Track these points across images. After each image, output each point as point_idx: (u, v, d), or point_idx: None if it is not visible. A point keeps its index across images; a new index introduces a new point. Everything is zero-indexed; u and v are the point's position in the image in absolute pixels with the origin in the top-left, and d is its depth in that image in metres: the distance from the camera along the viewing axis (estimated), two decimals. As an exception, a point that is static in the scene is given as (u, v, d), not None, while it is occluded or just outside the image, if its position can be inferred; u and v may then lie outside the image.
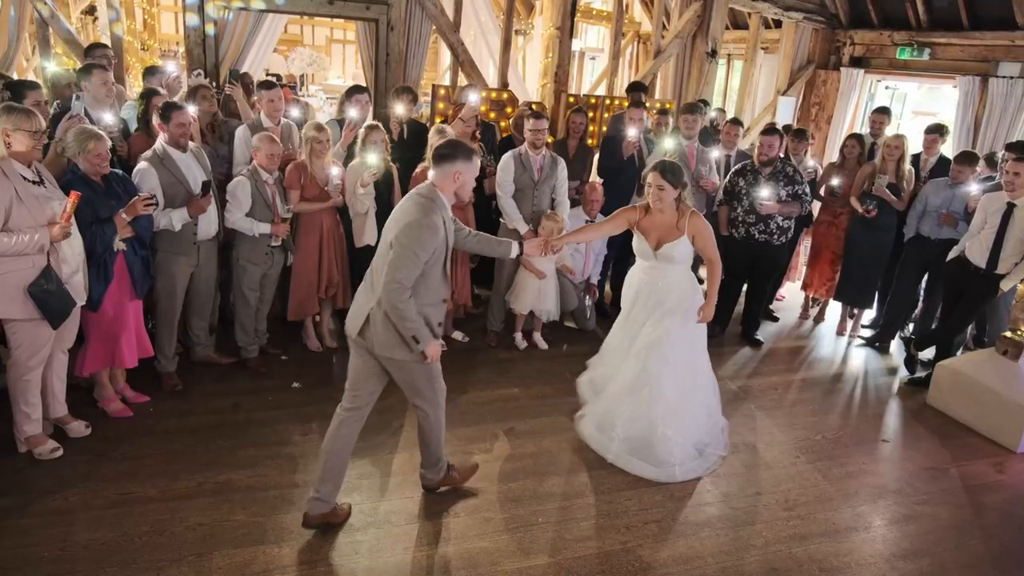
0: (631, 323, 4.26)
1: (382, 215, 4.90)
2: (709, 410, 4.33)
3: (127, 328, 3.96)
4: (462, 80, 7.05)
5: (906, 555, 3.55)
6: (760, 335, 6.16)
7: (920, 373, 5.59)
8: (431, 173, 3.17)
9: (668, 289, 4.12)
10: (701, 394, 4.26)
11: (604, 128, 7.14)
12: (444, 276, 3.23)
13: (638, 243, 4.16)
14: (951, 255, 5.28)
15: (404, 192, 5.01)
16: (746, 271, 5.97)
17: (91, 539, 3.12)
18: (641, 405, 4.05)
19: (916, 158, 6.17)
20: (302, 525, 3.28)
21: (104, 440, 3.86)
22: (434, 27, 6.73)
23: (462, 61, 6.95)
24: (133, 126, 4.83)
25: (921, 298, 6.22)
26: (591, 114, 7.02)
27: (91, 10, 10.03)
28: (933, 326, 5.88)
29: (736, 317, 6.27)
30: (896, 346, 6.23)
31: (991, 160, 6.23)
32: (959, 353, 5.59)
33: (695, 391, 4.19)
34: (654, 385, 4.02)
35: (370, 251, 4.91)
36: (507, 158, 5.27)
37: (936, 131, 6.11)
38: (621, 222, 4.19)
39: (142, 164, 4.08)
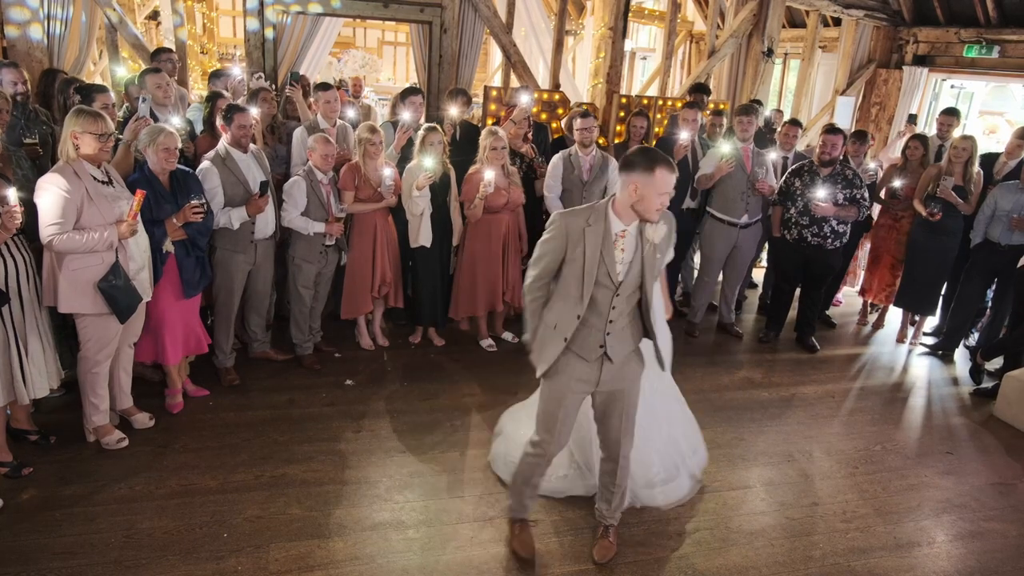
0: None
1: (436, 217, 4.96)
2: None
3: (172, 326, 4.04)
4: (514, 81, 7.06)
5: (972, 573, 3.41)
6: (815, 341, 6.01)
7: (986, 384, 5.38)
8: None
9: None
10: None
11: (657, 129, 7.06)
12: (581, 288, 2.85)
13: None
14: (1023, 261, 5.06)
15: (459, 193, 5.08)
16: (798, 274, 5.83)
17: (155, 527, 3.23)
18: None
19: (988, 160, 5.94)
20: None
21: (166, 432, 3.98)
22: (486, 29, 6.76)
23: (514, 62, 6.96)
24: (199, 128, 4.97)
25: (988, 305, 5.99)
26: (642, 115, 6.95)
27: (154, 15, 10.39)
28: (1001, 335, 5.65)
29: (790, 322, 6.13)
30: (960, 355, 6.01)
31: None
32: (1029, 364, 5.36)
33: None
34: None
35: (424, 251, 5.00)
36: (556, 159, 5.30)
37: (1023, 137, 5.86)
38: None
39: (205, 164, 4.22)
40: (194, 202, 3.88)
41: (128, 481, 3.53)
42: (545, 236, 2.91)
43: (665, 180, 2.69)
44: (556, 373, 2.98)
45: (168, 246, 3.88)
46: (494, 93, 6.79)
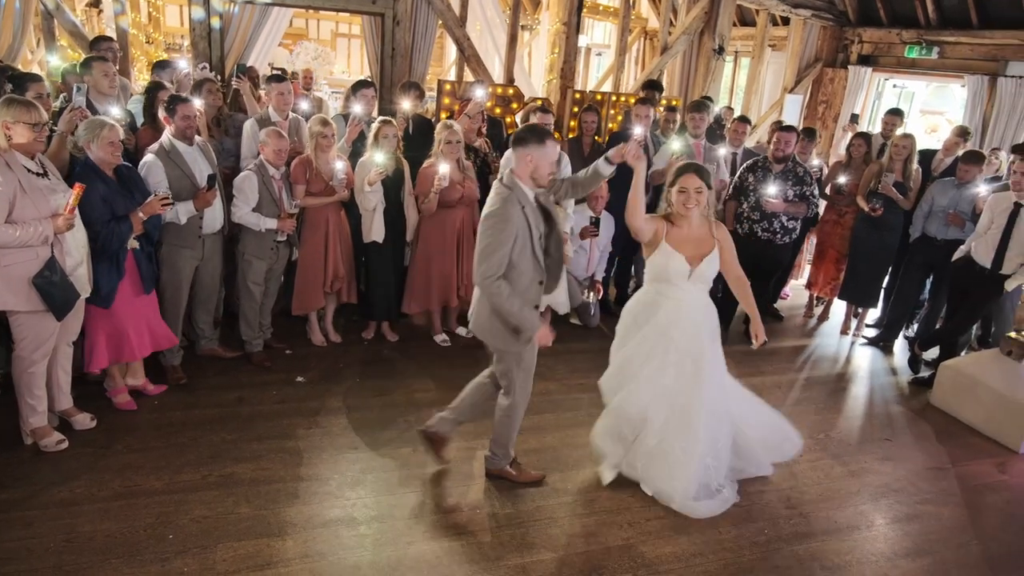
0: (656, 355, 3.72)
1: (390, 211, 4.92)
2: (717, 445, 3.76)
3: (136, 323, 3.97)
4: (468, 75, 7.03)
5: (908, 554, 3.55)
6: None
7: (924, 373, 5.58)
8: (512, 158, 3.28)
9: (704, 317, 3.74)
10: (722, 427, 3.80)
11: (611, 125, 7.13)
12: (535, 261, 3.29)
13: (666, 261, 3.59)
14: (957, 255, 5.27)
15: (414, 187, 5.04)
16: (748, 268, 5.94)
17: (96, 531, 3.14)
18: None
19: (926, 156, 6.15)
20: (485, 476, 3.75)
21: (109, 432, 3.87)
22: (440, 22, 6.72)
23: (468, 56, 6.93)
24: (140, 120, 4.83)
25: (926, 298, 6.22)
26: (597, 111, 7.00)
27: (96, 2, 10.05)
28: (937, 326, 5.87)
29: (739, 315, 6.25)
30: (900, 346, 6.22)
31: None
32: (963, 353, 5.58)
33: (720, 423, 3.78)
34: (693, 421, 3.67)
35: (377, 247, 4.96)
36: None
37: (962, 135, 6.11)
38: (652, 226, 3.62)
39: (148, 157, 4.10)
40: (161, 193, 3.81)
41: (68, 484, 3.42)
42: (495, 229, 3.15)
43: (554, 149, 3.26)
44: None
45: (133, 243, 3.78)
46: (448, 87, 6.76)
